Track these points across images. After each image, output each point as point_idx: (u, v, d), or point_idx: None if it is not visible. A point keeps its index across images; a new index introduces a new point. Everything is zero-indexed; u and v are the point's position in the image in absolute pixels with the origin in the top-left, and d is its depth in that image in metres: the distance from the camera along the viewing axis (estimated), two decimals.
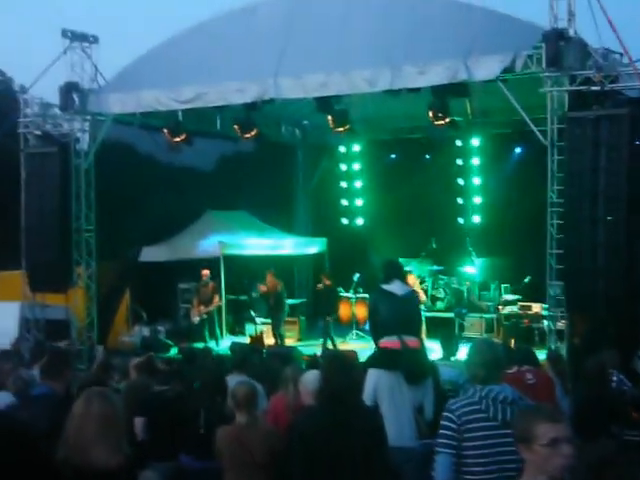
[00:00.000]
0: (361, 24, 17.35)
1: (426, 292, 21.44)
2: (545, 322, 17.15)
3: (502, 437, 5.61)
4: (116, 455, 5.18)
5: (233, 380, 9.00)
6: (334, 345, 20.79)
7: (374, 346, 10.81)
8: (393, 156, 25.12)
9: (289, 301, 22.59)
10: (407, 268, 21.01)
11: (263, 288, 21.78)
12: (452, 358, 18.50)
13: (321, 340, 21.31)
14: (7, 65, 51.09)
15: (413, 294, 11.45)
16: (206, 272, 21.85)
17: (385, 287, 10.65)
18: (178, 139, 20.54)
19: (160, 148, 22.05)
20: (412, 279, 19.28)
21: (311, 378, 7.65)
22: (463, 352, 18.05)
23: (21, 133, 20.66)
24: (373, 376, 9.76)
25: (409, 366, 10.02)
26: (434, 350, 18.73)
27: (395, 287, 10.58)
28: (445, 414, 5.80)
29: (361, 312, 22.10)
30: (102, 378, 9.92)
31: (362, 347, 18.43)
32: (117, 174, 21.04)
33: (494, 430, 5.64)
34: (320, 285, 21.98)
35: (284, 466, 6.81)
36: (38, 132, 20.54)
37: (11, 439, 4.85)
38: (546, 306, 16.39)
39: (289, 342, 21.53)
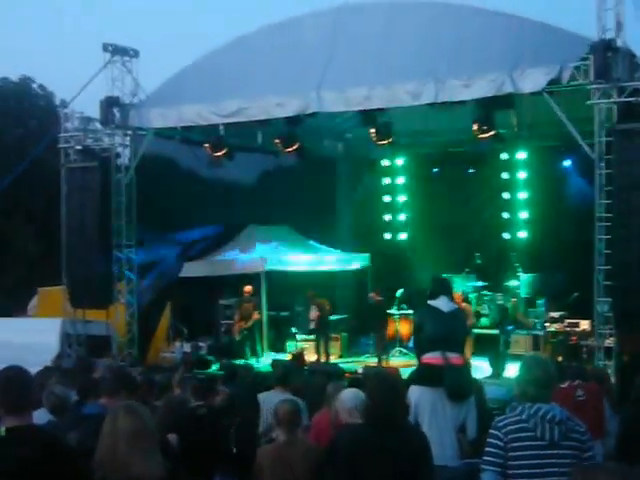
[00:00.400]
0: (404, 37, 17.35)
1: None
2: (593, 339, 16.96)
3: (549, 457, 5.57)
4: (156, 466, 5.18)
5: (275, 396, 8.99)
6: (380, 362, 20.71)
7: (417, 363, 10.77)
8: (437, 170, 25.03)
9: (332, 317, 22.55)
10: (466, 286, 21.08)
11: (314, 319, 21.80)
12: (500, 376, 18.35)
13: (363, 357, 21.28)
14: (48, 80, 51.70)
15: (459, 311, 11.40)
16: (249, 288, 21.85)
17: (431, 303, 10.64)
18: (219, 154, 20.61)
19: (201, 163, 22.13)
20: (457, 296, 19.17)
21: (349, 396, 7.63)
22: (510, 370, 17.92)
23: (62, 148, 20.82)
24: (415, 393, 9.72)
25: (451, 383, 9.95)
26: (481, 368, 18.62)
27: (441, 303, 10.55)
28: (491, 431, 5.74)
29: (405, 329, 22.00)
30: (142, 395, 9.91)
31: (405, 365, 18.37)
32: (158, 189, 21.11)
33: (541, 450, 5.58)
34: (371, 298, 21.87)
35: None
36: (79, 147, 20.71)
37: (51, 456, 4.90)
38: (594, 323, 16.23)
39: (331, 359, 21.46)
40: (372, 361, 20.92)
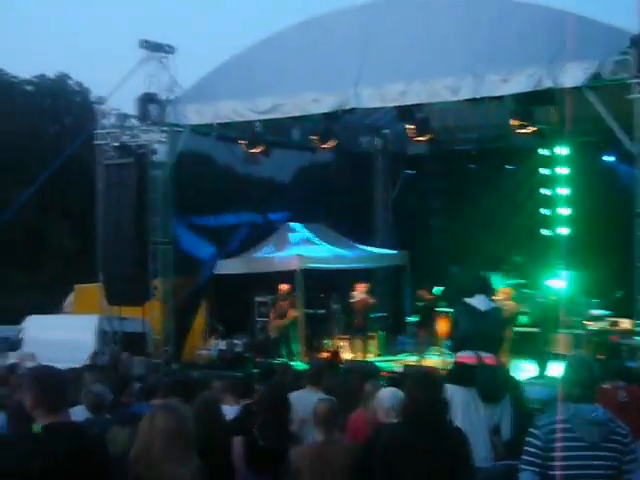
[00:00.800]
0: (442, 31, 17.32)
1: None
2: (636, 338, 16.82)
3: (590, 459, 5.53)
4: (185, 469, 5.20)
5: (306, 396, 8.96)
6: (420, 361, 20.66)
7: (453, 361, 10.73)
8: (474, 166, 24.90)
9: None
10: (503, 284, 20.91)
11: (360, 300, 21.68)
12: (543, 376, 18.23)
13: (401, 356, 21.22)
14: (84, 77, 52.09)
15: (497, 310, 11.21)
16: (284, 287, 21.80)
17: (468, 301, 10.53)
18: (255, 150, 20.67)
19: (237, 159, 22.20)
20: (506, 292, 19.12)
21: (387, 395, 7.61)
22: (552, 369, 17.80)
23: (98, 144, 20.93)
24: (448, 392, 9.64)
25: (484, 383, 9.86)
26: (523, 367, 18.52)
27: (478, 302, 10.44)
28: (531, 431, 5.69)
29: (443, 327, 21.90)
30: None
31: (443, 363, 18.30)
32: (194, 185, 21.20)
33: (582, 451, 5.53)
34: (421, 296, 21.79)
35: None
36: (115, 143, 20.82)
37: (83, 451, 4.96)
38: (637, 322, 16.10)
39: (368, 357, 21.43)
40: (411, 360, 20.81)
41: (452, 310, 17.21)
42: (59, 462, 4.89)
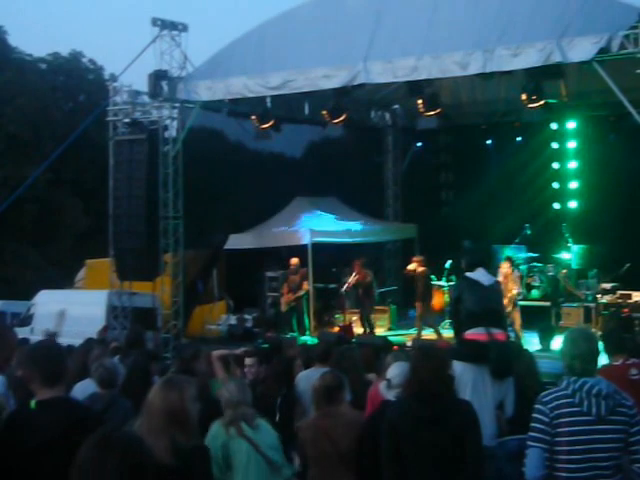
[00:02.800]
0: (451, 8, 17.28)
1: (521, 279, 21.01)
2: None
3: (596, 433, 5.50)
4: (172, 451, 5.14)
5: (315, 373, 8.95)
6: (419, 335, 20.59)
7: (456, 337, 10.58)
8: (487, 141, 24.82)
9: (379, 290, 22.49)
10: (504, 254, 20.84)
11: (350, 282, 21.59)
12: (549, 349, 18.18)
13: (413, 329, 21.12)
14: (98, 54, 52.04)
15: (498, 284, 11.09)
16: (295, 260, 21.74)
17: (470, 275, 10.36)
18: (266, 125, 20.68)
19: (248, 135, 22.19)
20: (507, 266, 19.02)
21: (394, 371, 7.59)
22: (559, 342, 17.71)
23: (110, 121, 20.96)
24: (456, 369, 9.50)
25: (497, 360, 9.74)
26: (530, 341, 18.48)
27: (481, 276, 10.26)
28: (537, 406, 5.67)
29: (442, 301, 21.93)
30: (191, 367, 9.94)
31: (440, 338, 18.30)
32: (205, 161, 21.24)
33: (588, 425, 5.50)
34: (411, 270, 21.60)
35: (366, 455, 6.80)
36: (127, 120, 20.85)
37: (78, 427, 4.97)
38: None
39: (379, 331, 21.42)
40: (425, 334, 20.73)
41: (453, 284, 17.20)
42: (52, 437, 4.91)
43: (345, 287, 21.85)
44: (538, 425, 5.60)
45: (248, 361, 9.85)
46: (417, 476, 6.14)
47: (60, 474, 4.85)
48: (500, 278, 17.42)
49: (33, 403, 5.11)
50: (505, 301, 14.77)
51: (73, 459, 4.84)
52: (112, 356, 10.71)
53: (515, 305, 18.92)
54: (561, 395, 5.61)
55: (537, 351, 17.36)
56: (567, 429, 5.51)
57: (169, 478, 5.09)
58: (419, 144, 26.37)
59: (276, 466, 6.93)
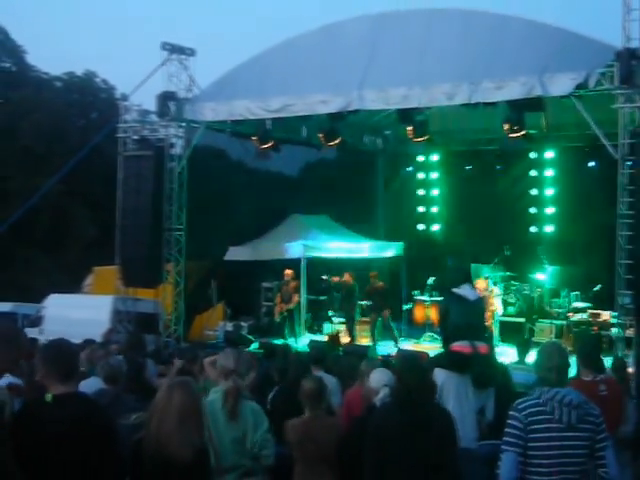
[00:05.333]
0: (441, 42, 17.41)
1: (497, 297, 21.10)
2: (614, 330, 16.83)
3: (567, 440, 5.57)
4: (190, 447, 5.21)
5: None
6: (374, 342, 20.72)
7: (444, 347, 10.66)
8: (469, 166, 24.91)
9: (365, 302, 22.53)
10: (483, 273, 20.92)
11: (335, 279, 21.77)
12: (524, 362, 18.23)
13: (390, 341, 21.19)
14: (110, 75, 52.14)
15: (482, 300, 11.22)
16: (289, 272, 21.87)
17: (457, 291, 10.45)
18: (266, 146, 20.77)
19: (249, 154, 22.30)
20: (483, 283, 19.10)
21: (376, 376, 7.61)
22: (533, 356, 17.76)
23: (120, 137, 21.02)
24: (441, 376, 9.58)
25: (479, 371, 9.85)
26: (507, 354, 18.54)
27: (466, 291, 10.37)
28: (511, 413, 5.71)
29: (435, 314, 21.92)
30: (189, 369, 10.01)
31: (435, 349, 18.32)
32: (208, 178, 21.28)
33: (559, 432, 5.56)
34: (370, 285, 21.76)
35: (351, 459, 6.80)
36: (136, 137, 20.93)
37: (90, 420, 5.01)
38: (615, 314, 16.13)
39: (363, 342, 21.41)
40: (405, 344, 20.82)
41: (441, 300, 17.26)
42: (67, 429, 4.95)
43: (331, 281, 21.93)
44: (512, 430, 5.65)
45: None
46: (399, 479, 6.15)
47: (72, 463, 4.92)
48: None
49: (49, 397, 5.13)
50: (487, 314, 14.87)
51: (84, 449, 4.91)
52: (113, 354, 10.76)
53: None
54: (534, 403, 5.66)
55: (514, 363, 17.41)
56: (539, 435, 5.57)
57: (188, 472, 5.16)
58: (408, 168, 26.49)
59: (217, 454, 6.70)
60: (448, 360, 10.02)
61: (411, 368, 6.43)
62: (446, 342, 10.55)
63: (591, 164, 22.19)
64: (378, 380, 7.44)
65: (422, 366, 6.51)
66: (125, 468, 5.27)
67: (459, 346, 10.07)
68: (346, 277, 21.75)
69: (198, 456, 5.30)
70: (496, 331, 19.67)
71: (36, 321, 24.25)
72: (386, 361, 13.18)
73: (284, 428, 7.51)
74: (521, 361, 18.27)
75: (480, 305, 10.76)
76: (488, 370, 10.04)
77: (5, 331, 5.66)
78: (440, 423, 6.28)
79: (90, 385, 8.20)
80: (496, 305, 19.66)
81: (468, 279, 10.71)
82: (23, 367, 8.77)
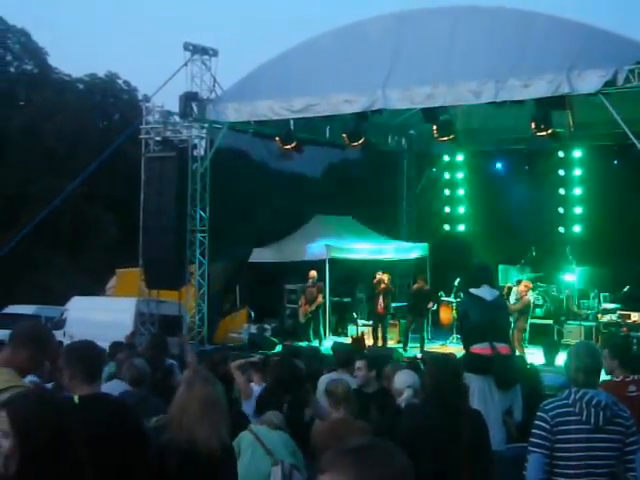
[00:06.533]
0: (466, 39, 17.34)
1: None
2: None
3: (595, 441, 5.50)
4: (218, 436, 5.24)
5: (338, 377, 8.97)
6: (405, 345, 20.68)
7: (465, 350, 10.64)
8: (496, 166, 24.84)
9: (396, 304, 22.54)
10: (511, 274, 20.84)
11: (383, 285, 21.56)
12: (553, 364, 18.15)
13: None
14: (132, 76, 52.41)
15: (501, 299, 11.09)
16: (313, 273, 21.84)
17: (474, 292, 10.42)
18: (289, 147, 20.77)
19: (272, 155, 22.31)
20: (527, 285, 19.08)
21: (401, 377, 7.59)
22: (562, 358, 17.64)
23: (142, 139, 21.08)
24: (465, 379, 9.58)
25: (500, 372, 9.83)
26: (535, 356, 18.45)
27: (484, 292, 10.34)
28: (539, 414, 5.65)
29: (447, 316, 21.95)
30: (218, 370, 10.05)
31: (462, 351, 18.25)
32: (231, 179, 21.33)
33: (587, 434, 5.49)
34: (415, 286, 21.76)
35: None
36: (158, 138, 20.95)
37: (118, 420, 5.02)
38: None
39: (390, 344, 21.38)
40: (432, 346, 20.76)
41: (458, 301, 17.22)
42: (95, 431, 4.95)
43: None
44: (539, 432, 5.59)
45: (358, 364, 9.75)
46: None
47: (102, 464, 4.92)
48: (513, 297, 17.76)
49: (76, 398, 5.15)
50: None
51: (112, 451, 4.92)
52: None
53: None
54: (562, 404, 5.60)
55: (542, 365, 17.36)
56: (567, 436, 5.51)
57: (218, 464, 5.17)
58: (433, 169, 26.45)
59: (269, 450, 6.92)
60: (469, 363, 10.00)
61: (443, 368, 6.41)
62: (465, 344, 10.55)
63: (619, 163, 22.09)
64: (402, 382, 7.43)
65: (454, 366, 6.48)
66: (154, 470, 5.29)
67: (479, 348, 10.09)
68: (383, 283, 21.58)
69: (226, 451, 5.33)
70: (525, 333, 19.58)
71: (59, 324, 24.35)
72: (413, 363, 13.14)
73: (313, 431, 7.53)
74: (549, 363, 18.19)
75: (499, 305, 10.67)
76: (510, 371, 10.01)
77: (37, 331, 5.68)
78: (472, 425, 6.24)
79: (113, 387, 8.24)
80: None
81: (489, 280, 10.67)
82: (46, 369, 8.84)
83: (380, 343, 21.08)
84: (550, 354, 18.50)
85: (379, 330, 21.50)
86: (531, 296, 19.50)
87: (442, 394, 6.22)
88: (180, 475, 5.20)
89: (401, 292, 24.96)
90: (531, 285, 19.55)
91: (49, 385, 8.84)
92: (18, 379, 5.14)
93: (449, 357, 7.71)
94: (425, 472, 6.07)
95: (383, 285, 21.36)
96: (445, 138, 19.57)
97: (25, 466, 3.54)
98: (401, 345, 21.02)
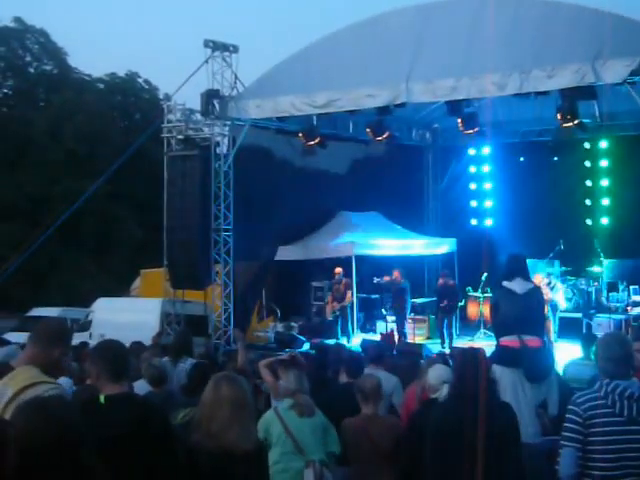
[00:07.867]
0: (489, 30, 17.25)
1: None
2: None
3: (628, 433, 5.49)
4: (249, 438, 5.27)
5: (372, 374, 9.02)
6: (443, 342, 20.70)
7: (496, 343, 10.66)
8: (522, 158, 24.78)
9: (419, 300, 22.52)
10: (539, 268, 20.77)
11: (387, 278, 21.74)
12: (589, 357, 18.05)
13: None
14: (152, 74, 52.60)
15: (535, 291, 11.00)
16: (339, 270, 21.92)
17: (506, 284, 10.41)
18: (312, 142, 20.82)
19: (295, 152, 22.31)
20: (538, 279, 18.96)
21: (434, 372, 7.63)
22: None
23: (164, 137, 21.15)
24: (496, 372, 9.58)
25: (529, 365, 9.82)
26: (568, 349, 18.41)
27: (516, 285, 10.32)
28: (570, 407, 5.65)
29: (488, 311, 21.81)
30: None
31: (489, 345, 18.24)
32: (254, 176, 21.33)
33: (619, 426, 5.49)
34: (439, 282, 21.80)
35: (409, 457, 6.82)
36: (180, 136, 20.98)
37: (145, 420, 5.08)
38: None
39: (418, 340, 21.40)
40: (461, 341, 20.75)
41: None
42: (121, 430, 5.01)
43: (383, 280, 21.99)
44: (571, 425, 5.59)
45: None
46: (460, 475, 6.09)
47: (127, 463, 4.97)
48: None
49: (103, 397, 5.22)
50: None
51: (139, 450, 4.98)
52: (162, 356, 10.85)
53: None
54: (594, 397, 5.60)
55: (580, 359, 17.31)
56: (599, 429, 5.50)
57: (249, 462, 5.21)
58: (459, 162, 26.42)
59: (300, 448, 6.98)
60: (498, 356, 10.02)
61: (468, 363, 6.43)
62: (496, 337, 10.60)
63: None
64: (437, 377, 7.46)
65: (480, 360, 6.49)
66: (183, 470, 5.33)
67: (507, 341, 10.12)
68: (396, 277, 21.67)
69: (258, 448, 5.36)
70: (555, 327, 19.51)
71: (85, 325, 24.50)
72: (441, 358, 13.15)
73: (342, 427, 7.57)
74: (586, 356, 18.11)
75: (531, 297, 10.62)
76: (538, 363, 9.99)
77: (60, 329, 5.73)
78: (500, 417, 6.27)
79: (138, 389, 8.31)
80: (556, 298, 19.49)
81: (522, 272, 10.64)
82: (74, 369, 8.91)
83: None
84: (586, 347, 18.39)
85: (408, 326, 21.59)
86: (547, 288, 19.43)
87: (466, 388, 6.26)
88: (213, 476, 5.22)
89: (429, 287, 25.01)
90: (543, 279, 19.33)
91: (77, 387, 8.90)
92: (42, 376, 5.21)
93: (471, 349, 7.73)
94: (453, 465, 6.11)
95: (394, 279, 21.48)
96: (470, 131, 19.61)
97: (23, 477, 3.57)
98: (430, 341, 21.02)
